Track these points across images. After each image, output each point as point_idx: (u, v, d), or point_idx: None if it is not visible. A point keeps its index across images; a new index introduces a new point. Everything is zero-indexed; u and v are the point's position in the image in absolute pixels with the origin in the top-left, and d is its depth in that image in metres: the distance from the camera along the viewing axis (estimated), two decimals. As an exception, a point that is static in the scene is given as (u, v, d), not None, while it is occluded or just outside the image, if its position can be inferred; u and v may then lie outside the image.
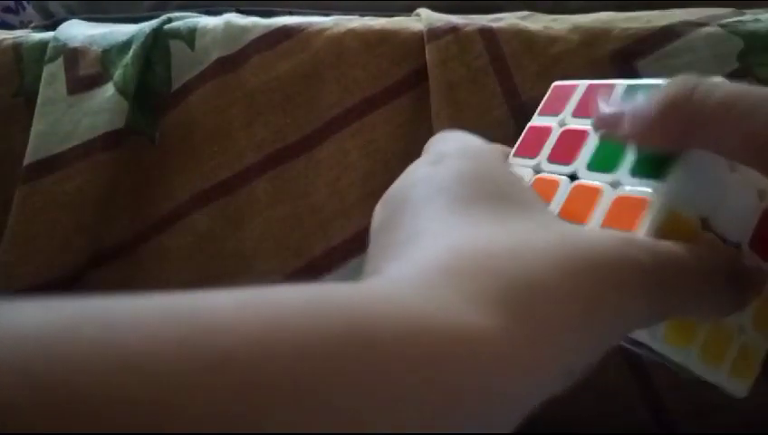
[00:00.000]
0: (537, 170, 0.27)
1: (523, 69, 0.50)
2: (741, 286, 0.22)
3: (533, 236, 0.19)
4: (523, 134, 0.29)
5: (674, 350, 0.23)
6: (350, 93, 0.52)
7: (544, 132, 0.28)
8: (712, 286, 0.21)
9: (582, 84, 0.28)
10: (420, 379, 0.14)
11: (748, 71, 0.48)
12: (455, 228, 0.19)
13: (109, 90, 0.53)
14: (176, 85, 0.55)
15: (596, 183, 0.24)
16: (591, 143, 0.26)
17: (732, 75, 0.48)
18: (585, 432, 0.47)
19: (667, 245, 0.21)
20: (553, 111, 0.28)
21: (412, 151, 0.51)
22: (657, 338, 0.23)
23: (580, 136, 0.26)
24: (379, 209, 0.23)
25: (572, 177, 0.25)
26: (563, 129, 0.27)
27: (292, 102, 0.53)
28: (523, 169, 0.27)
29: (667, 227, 0.22)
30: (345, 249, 0.51)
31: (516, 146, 0.28)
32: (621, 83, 0.27)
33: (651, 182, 0.23)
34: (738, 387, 0.25)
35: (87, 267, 0.52)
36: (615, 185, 0.24)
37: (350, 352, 0.14)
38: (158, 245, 0.53)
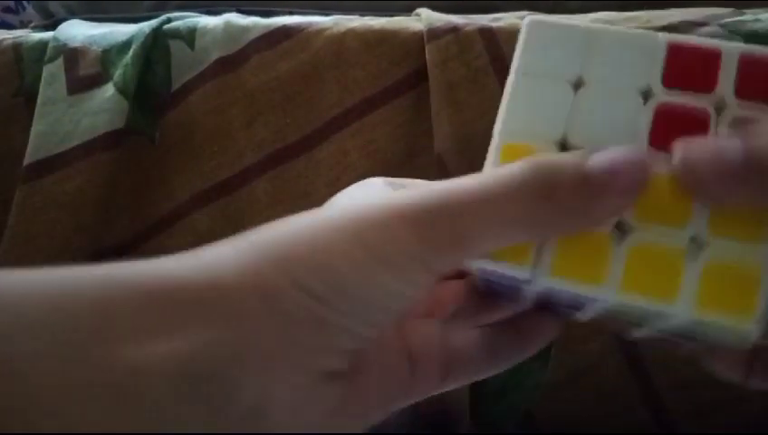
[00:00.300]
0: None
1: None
2: (581, 195, 0.20)
3: (301, 223, 0.22)
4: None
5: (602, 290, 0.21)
6: (349, 93, 0.52)
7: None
8: (518, 206, 0.20)
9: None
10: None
11: (748, 70, 0.48)
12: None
13: (109, 90, 0.53)
14: (176, 85, 0.55)
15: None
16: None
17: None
18: (585, 432, 0.46)
19: (441, 184, 0.21)
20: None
21: (412, 151, 0.52)
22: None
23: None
24: None
25: None
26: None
27: (291, 102, 0.53)
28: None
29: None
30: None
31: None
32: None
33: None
34: (741, 326, 0.20)
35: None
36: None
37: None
38: (157, 245, 0.53)
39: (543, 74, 0.24)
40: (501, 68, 0.50)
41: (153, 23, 0.56)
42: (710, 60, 0.23)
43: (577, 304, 0.24)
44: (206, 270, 0.21)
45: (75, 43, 0.56)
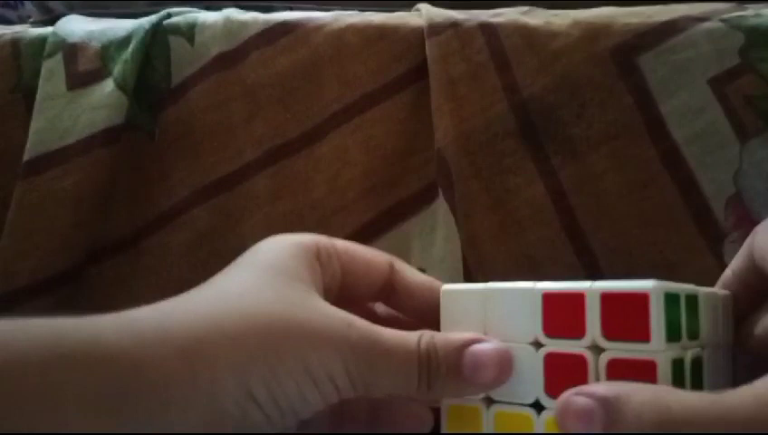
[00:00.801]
0: None
1: (524, 64, 0.49)
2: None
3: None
4: None
5: None
6: (349, 89, 0.52)
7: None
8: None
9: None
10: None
11: (750, 66, 0.47)
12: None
13: (108, 85, 0.53)
14: (175, 81, 0.54)
15: None
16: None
17: (733, 70, 0.48)
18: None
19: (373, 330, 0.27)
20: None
21: (412, 147, 0.52)
22: None
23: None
24: None
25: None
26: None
27: (291, 98, 0.53)
28: None
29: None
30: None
31: None
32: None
33: None
34: None
35: (86, 263, 0.52)
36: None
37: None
38: (157, 241, 0.53)
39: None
40: (502, 64, 0.50)
41: (153, 18, 0.56)
42: (577, 304, 0.26)
43: None
44: (134, 346, 0.25)
45: (74, 39, 0.56)
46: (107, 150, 0.52)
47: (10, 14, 0.83)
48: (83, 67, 0.55)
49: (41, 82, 0.55)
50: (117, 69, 0.54)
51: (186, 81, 0.54)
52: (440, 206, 0.49)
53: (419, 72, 0.51)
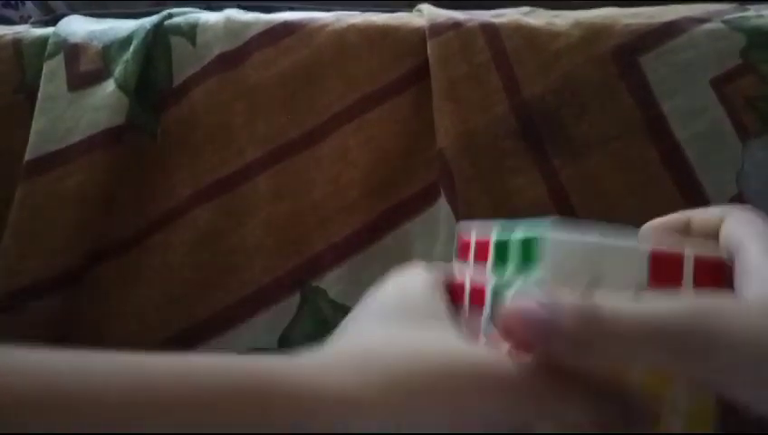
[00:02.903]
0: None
1: (525, 64, 0.50)
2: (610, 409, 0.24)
3: (425, 346, 0.24)
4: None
5: None
6: (351, 89, 0.52)
7: (462, 275, 0.30)
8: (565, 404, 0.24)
9: (474, 227, 0.31)
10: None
11: (751, 67, 0.47)
12: (368, 333, 0.26)
13: (109, 86, 0.53)
14: (177, 81, 0.54)
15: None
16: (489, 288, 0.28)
17: (734, 71, 0.48)
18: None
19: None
20: (464, 256, 0.32)
21: (413, 147, 0.51)
22: None
23: (483, 280, 0.29)
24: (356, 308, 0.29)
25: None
26: (472, 272, 0.30)
27: (293, 98, 0.53)
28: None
29: None
30: (346, 245, 0.51)
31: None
32: (495, 226, 0.29)
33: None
34: None
35: (89, 264, 0.52)
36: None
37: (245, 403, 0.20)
38: (159, 241, 0.53)
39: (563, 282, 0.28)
40: (503, 64, 0.50)
41: (154, 18, 0.56)
42: (676, 263, 0.27)
43: None
44: (336, 390, 0.22)
45: (76, 39, 0.56)
46: (109, 151, 0.52)
47: (11, 14, 0.83)
48: (85, 67, 0.55)
49: (42, 82, 0.55)
50: (118, 69, 0.54)
51: (187, 81, 0.54)
52: (442, 206, 0.50)
53: (421, 72, 0.51)
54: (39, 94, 0.54)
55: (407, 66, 0.52)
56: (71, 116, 0.53)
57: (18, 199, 0.51)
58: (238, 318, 0.50)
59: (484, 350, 0.25)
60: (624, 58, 0.49)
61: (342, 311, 0.49)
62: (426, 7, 0.54)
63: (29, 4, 0.81)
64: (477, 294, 0.29)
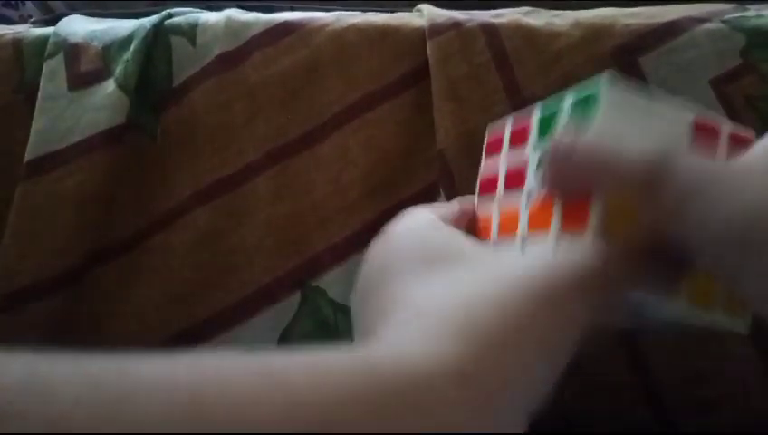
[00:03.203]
0: (499, 202, 0.30)
1: (525, 65, 0.50)
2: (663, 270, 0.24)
3: (480, 286, 0.23)
4: (479, 178, 0.32)
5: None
6: (351, 89, 0.52)
7: (495, 168, 0.31)
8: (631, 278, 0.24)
9: (509, 118, 0.32)
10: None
11: (751, 66, 0.47)
12: (422, 295, 0.23)
13: (110, 86, 0.53)
14: (177, 81, 0.54)
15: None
16: (533, 162, 0.29)
17: (735, 71, 0.48)
18: (583, 432, 0.47)
19: (589, 250, 0.24)
20: (496, 150, 0.32)
21: (413, 148, 0.51)
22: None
23: (523, 161, 0.29)
24: (365, 269, 0.27)
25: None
26: (507, 159, 0.31)
27: (293, 98, 0.53)
28: (488, 206, 0.31)
29: (611, 214, 0.24)
30: (346, 246, 0.51)
31: (477, 190, 0.32)
32: (537, 107, 0.30)
33: None
34: (738, 323, 0.26)
35: (89, 264, 0.52)
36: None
37: (372, 411, 0.18)
38: (159, 241, 0.53)
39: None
40: (503, 64, 0.50)
41: (154, 18, 0.56)
42: (714, 134, 0.29)
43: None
44: (401, 359, 0.20)
45: (76, 39, 0.56)
46: (109, 151, 0.52)
47: (11, 13, 0.83)
48: (85, 67, 0.55)
49: (42, 82, 0.55)
50: (118, 69, 0.54)
51: (187, 81, 0.54)
52: (442, 206, 0.50)
53: (421, 72, 0.51)
54: (39, 94, 0.54)
55: (407, 66, 0.52)
56: (71, 116, 0.53)
57: (18, 199, 0.51)
58: (238, 318, 0.50)
59: (535, 257, 0.24)
60: (624, 58, 0.49)
61: (342, 311, 0.49)
62: (426, 7, 0.54)
63: (29, 4, 0.81)
64: (516, 177, 0.29)
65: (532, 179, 0.28)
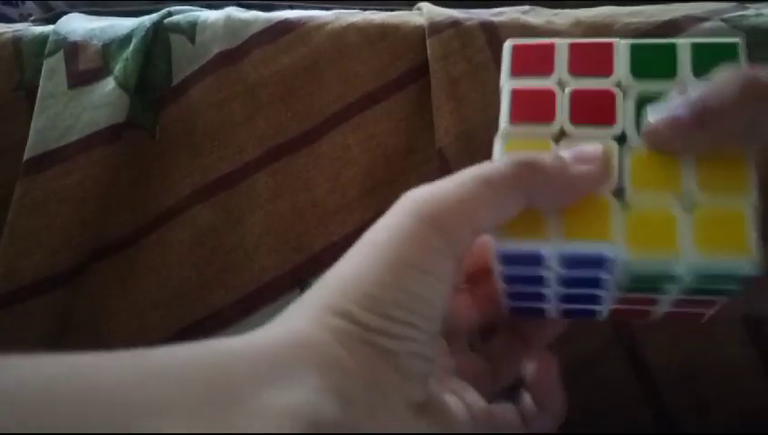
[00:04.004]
0: (562, 133, 0.28)
1: (525, 63, 0.49)
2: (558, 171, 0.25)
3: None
4: (506, 99, 0.30)
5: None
6: (350, 88, 0.52)
7: (544, 95, 0.29)
8: (511, 183, 0.25)
9: (562, 44, 0.29)
10: None
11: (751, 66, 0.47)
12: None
13: (109, 84, 0.53)
14: (176, 79, 0.54)
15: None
16: (628, 103, 0.27)
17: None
18: (583, 431, 0.47)
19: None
20: (535, 71, 0.30)
21: (413, 146, 0.52)
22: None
23: (605, 96, 0.27)
24: None
25: (620, 138, 0.27)
26: (575, 89, 0.28)
27: (292, 96, 0.53)
28: (531, 135, 0.28)
29: None
30: (346, 244, 0.50)
31: (508, 113, 0.29)
32: (621, 43, 0.28)
33: None
34: (741, 258, 0.23)
35: (88, 262, 0.52)
36: None
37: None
38: (158, 239, 0.53)
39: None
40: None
41: (154, 17, 0.56)
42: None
43: (596, 285, 0.27)
44: (273, 336, 0.21)
45: (75, 37, 0.56)
46: (108, 149, 0.52)
47: (11, 12, 0.83)
48: (84, 66, 0.55)
49: (42, 80, 0.55)
50: (118, 67, 0.54)
51: (187, 79, 0.54)
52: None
53: (420, 70, 0.51)
54: (38, 92, 0.54)
55: (406, 65, 0.52)
56: (70, 114, 0.53)
57: (17, 198, 0.51)
58: (237, 316, 0.50)
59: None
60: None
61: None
62: (425, 6, 0.54)
63: (29, 3, 0.82)
64: (604, 110, 0.27)
65: (621, 121, 0.27)
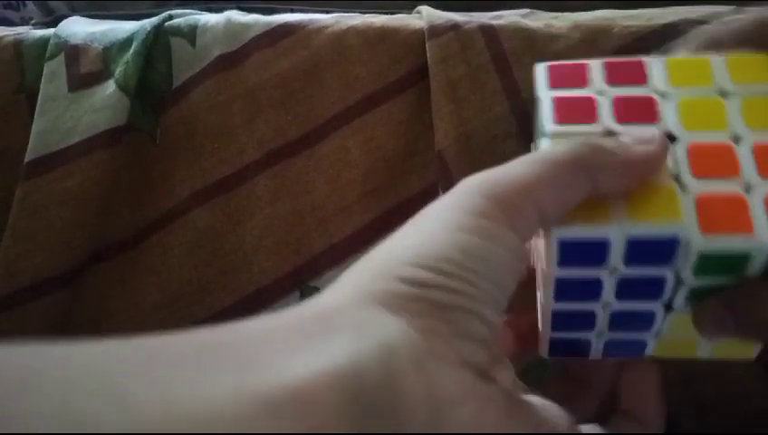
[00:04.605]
0: (608, 133, 0.27)
1: (524, 66, 0.50)
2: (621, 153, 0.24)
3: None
4: (548, 106, 0.30)
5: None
6: (350, 91, 0.52)
7: (585, 101, 0.29)
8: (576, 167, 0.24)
9: (596, 62, 0.31)
10: None
11: (749, 68, 0.47)
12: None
13: (110, 87, 0.53)
14: (177, 82, 0.55)
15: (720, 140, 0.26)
16: (670, 105, 0.27)
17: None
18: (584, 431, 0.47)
19: None
20: (573, 84, 0.30)
21: (413, 149, 0.52)
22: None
23: (646, 99, 0.28)
24: None
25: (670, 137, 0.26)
26: (616, 95, 0.29)
27: (292, 99, 0.53)
28: (578, 133, 0.28)
29: None
30: (345, 246, 0.51)
31: (551, 117, 0.29)
32: (651, 62, 0.29)
33: None
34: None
35: (88, 264, 0.52)
36: (737, 140, 0.26)
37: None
38: (158, 241, 0.53)
39: None
40: (502, 66, 0.50)
41: (154, 20, 0.56)
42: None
43: (655, 293, 0.26)
44: (322, 301, 0.20)
45: (76, 41, 0.56)
46: (108, 151, 0.52)
47: (12, 15, 0.83)
48: (85, 69, 0.55)
49: (43, 83, 0.55)
50: (118, 70, 0.54)
51: (187, 82, 0.54)
52: (440, 207, 0.50)
53: (420, 73, 0.51)
54: (39, 95, 0.54)
55: (406, 68, 0.52)
56: (71, 117, 0.53)
57: (18, 200, 0.51)
58: (237, 318, 0.50)
59: None
60: (623, 60, 0.49)
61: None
62: (425, 9, 0.55)
63: (30, 6, 0.82)
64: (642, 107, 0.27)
65: (665, 119, 0.27)
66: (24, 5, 0.83)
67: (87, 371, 0.15)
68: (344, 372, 0.16)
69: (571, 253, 0.25)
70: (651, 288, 0.26)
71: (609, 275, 0.25)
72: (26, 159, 0.52)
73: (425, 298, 0.20)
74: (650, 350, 0.29)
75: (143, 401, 0.14)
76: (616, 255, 0.25)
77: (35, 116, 0.54)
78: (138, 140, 0.54)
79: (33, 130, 0.53)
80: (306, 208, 0.51)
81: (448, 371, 0.19)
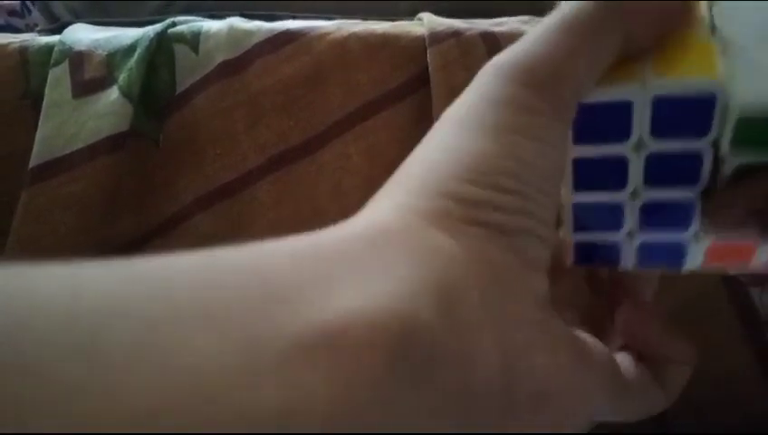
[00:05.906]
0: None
1: (525, 73, 0.50)
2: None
3: None
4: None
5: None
6: (352, 97, 0.52)
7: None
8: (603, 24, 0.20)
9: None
10: None
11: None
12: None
13: (113, 93, 0.54)
14: (180, 89, 0.55)
15: None
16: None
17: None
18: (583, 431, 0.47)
19: None
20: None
21: (414, 155, 0.52)
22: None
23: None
24: None
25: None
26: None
27: (294, 106, 0.53)
28: None
29: None
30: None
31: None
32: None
33: None
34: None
35: (91, 269, 0.53)
36: None
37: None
38: (161, 246, 0.53)
39: None
40: (502, 72, 0.50)
41: (158, 27, 0.56)
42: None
43: (691, 177, 0.22)
44: (361, 221, 0.17)
45: (80, 47, 0.57)
46: (112, 157, 0.53)
47: (18, 22, 0.84)
48: (89, 75, 0.56)
49: (47, 89, 0.55)
50: (122, 77, 0.54)
51: (190, 88, 0.55)
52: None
53: (421, 80, 0.52)
54: (44, 101, 0.55)
55: (407, 74, 0.52)
56: (75, 123, 0.54)
57: (22, 204, 0.52)
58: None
59: None
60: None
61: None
62: (426, 16, 0.55)
63: (35, 13, 0.82)
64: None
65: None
66: (30, 13, 0.83)
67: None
68: (395, 312, 0.13)
69: (589, 123, 0.21)
70: (685, 169, 0.21)
71: (636, 152, 0.22)
72: (31, 165, 0.53)
73: (483, 222, 0.17)
74: (690, 261, 0.24)
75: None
76: (642, 122, 0.21)
77: (40, 122, 0.54)
78: (141, 146, 0.54)
79: (37, 136, 0.53)
80: (308, 214, 0.52)
81: (521, 310, 0.16)
